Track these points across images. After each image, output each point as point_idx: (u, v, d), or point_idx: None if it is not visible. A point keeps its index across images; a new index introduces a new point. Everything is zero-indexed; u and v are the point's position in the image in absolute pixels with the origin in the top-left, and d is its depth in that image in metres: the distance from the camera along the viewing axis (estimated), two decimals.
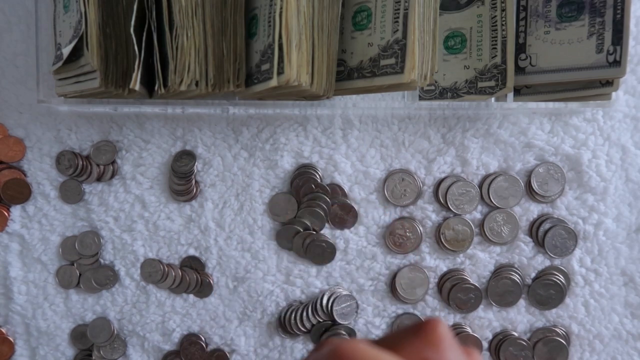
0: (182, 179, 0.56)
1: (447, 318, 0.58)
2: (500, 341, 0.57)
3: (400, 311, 0.58)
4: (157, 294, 0.57)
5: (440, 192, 0.56)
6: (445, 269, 0.58)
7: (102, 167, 0.56)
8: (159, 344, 0.58)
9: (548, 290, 0.57)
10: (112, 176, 0.56)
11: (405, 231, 0.56)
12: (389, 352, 0.20)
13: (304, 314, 0.56)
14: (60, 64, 0.45)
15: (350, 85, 0.47)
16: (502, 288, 0.57)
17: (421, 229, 0.57)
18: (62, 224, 0.57)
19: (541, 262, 0.57)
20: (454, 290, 0.56)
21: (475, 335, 0.57)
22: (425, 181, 0.57)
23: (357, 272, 0.57)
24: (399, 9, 0.43)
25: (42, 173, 0.56)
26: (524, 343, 0.57)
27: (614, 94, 0.51)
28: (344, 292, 0.57)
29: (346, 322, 0.57)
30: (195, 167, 0.56)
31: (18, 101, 0.55)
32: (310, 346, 0.58)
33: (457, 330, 0.58)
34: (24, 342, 0.58)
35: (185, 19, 0.44)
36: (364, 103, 0.54)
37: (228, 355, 0.58)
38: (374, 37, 0.45)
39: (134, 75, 0.44)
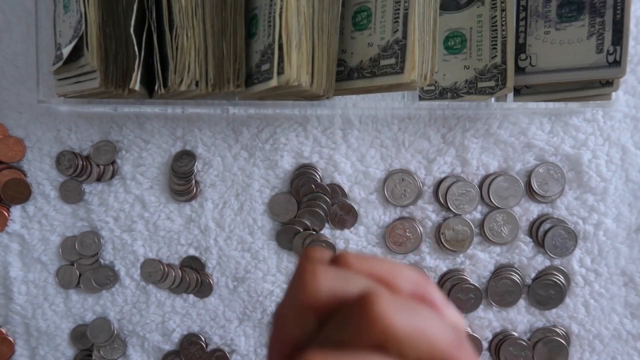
0: (182, 179, 0.56)
1: None
2: (500, 341, 0.57)
3: None
4: (157, 294, 0.57)
5: (440, 192, 0.56)
6: (445, 269, 0.58)
7: (102, 167, 0.56)
8: (159, 344, 0.58)
9: (548, 290, 0.57)
10: (112, 176, 0.56)
11: (405, 231, 0.56)
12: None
13: None
14: (60, 64, 0.45)
15: (350, 85, 0.47)
16: (502, 288, 0.57)
17: (421, 229, 0.57)
18: (62, 224, 0.57)
19: (541, 262, 0.57)
20: (454, 290, 0.56)
21: (475, 335, 0.57)
22: (425, 181, 0.57)
23: None
24: (399, 9, 0.43)
25: (42, 173, 0.56)
26: (524, 343, 0.57)
27: (614, 94, 0.51)
28: None
29: None
30: (195, 167, 0.56)
31: (18, 101, 0.55)
32: None
33: None
34: (24, 342, 0.58)
35: (185, 19, 0.44)
36: (364, 103, 0.54)
37: (228, 355, 0.58)
38: (374, 37, 0.45)
39: (134, 75, 0.44)
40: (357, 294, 0.19)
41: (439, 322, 0.19)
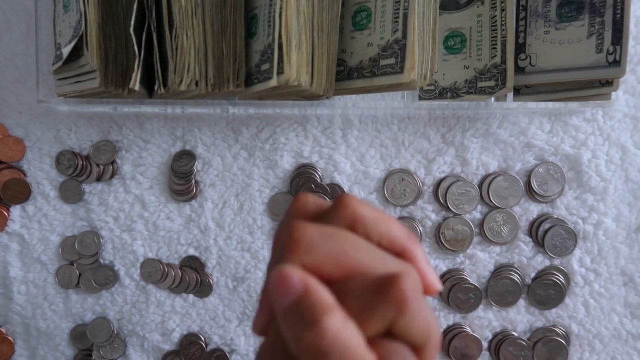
0: (182, 179, 0.56)
1: (447, 318, 0.58)
2: (500, 341, 0.57)
3: None
4: (157, 294, 0.57)
5: (440, 192, 0.56)
6: (445, 269, 0.58)
7: (102, 167, 0.56)
8: (159, 344, 0.58)
9: (548, 290, 0.57)
10: (112, 176, 0.56)
11: None
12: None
13: None
14: (60, 64, 0.45)
15: (350, 85, 0.47)
16: (502, 288, 0.57)
17: (421, 229, 0.57)
18: (62, 224, 0.57)
19: (541, 262, 0.57)
20: (454, 290, 0.56)
21: (475, 335, 0.57)
22: (425, 181, 0.57)
23: None
24: (399, 9, 0.43)
25: (42, 173, 0.56)
26: (524, 343, 0.57)
27: (614, 94, 0.51)
28: None
29: None
30: (195, 167, 0.56)
31: (18, 101, 0.55)
32: None
33: (457, 331, 0.58)
34: (24, 342, 0.58)
35: (185, 19, 0.44)
36: (364, 103, 0.54)
37: (228, 355, 0.58)
38: (374, 37, 0.45)
39: (134, 75, 0.44)
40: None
41: (397, 222, 0.25)
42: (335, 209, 0.24)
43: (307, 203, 0.25)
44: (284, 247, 0.22)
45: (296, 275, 0.21)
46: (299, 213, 0.25)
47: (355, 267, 0.22)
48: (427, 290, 0.24)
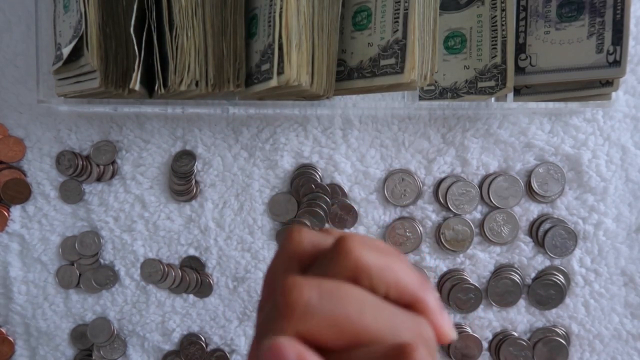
0: (182, 179, 0.56)
1: None
2: (500, 341, 0.57)
3: None
4: (157, 294, 0.57)
5: (440, 192, 0.56)
6: (445, 269, 0.58)
7: (102, 167, 0.56)
8: (159, 344, 0.58)
9: (548, 290, 0.57)
10: (112, 176, 0.56)
11: (405, 231, 0.56)
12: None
13: None
14: (60, 64, 0.45)
15: (350, 85, 0.47)
16: (502, 288, 0.57)
17: (421, 229, 0.57)
18: (62, 224, 0.57)
19: (541, 262, 0.57)
20: (454, 290, 0.56)
21: (475, 335, 0.57)
22: (425, 181, 0.57)
23: None
24: (399, 9, 0.43)
25: (42, 173, 0.56)
26: (524, 343, 0.57)
27: (614, 94, 0.51)
28: None
29: None
30: (195, 167, 0.56)
31: (18, 101, 0.55)
32: None
33: (457, 331, 0.58)
34: (24, 342, 0.58)
35: (185, 19, 0.44)
36: (364, 103, 0.54)
37: (228, 355, 0.58)
38: (374, 37, 0.45)
39: (134, 75, 0.44)
40: (333, 241, 0.22)
41: (405, 266, 0.22)
42: (335, 256, 0.21)
43: (301, 241, 0.23)
44: (277, 308, 0.20)
45: (292, 351, 0.18)
46: (293, 254, 0.23)
47: (360, 333, 0.20)
48: (440, 340, 0.22)
